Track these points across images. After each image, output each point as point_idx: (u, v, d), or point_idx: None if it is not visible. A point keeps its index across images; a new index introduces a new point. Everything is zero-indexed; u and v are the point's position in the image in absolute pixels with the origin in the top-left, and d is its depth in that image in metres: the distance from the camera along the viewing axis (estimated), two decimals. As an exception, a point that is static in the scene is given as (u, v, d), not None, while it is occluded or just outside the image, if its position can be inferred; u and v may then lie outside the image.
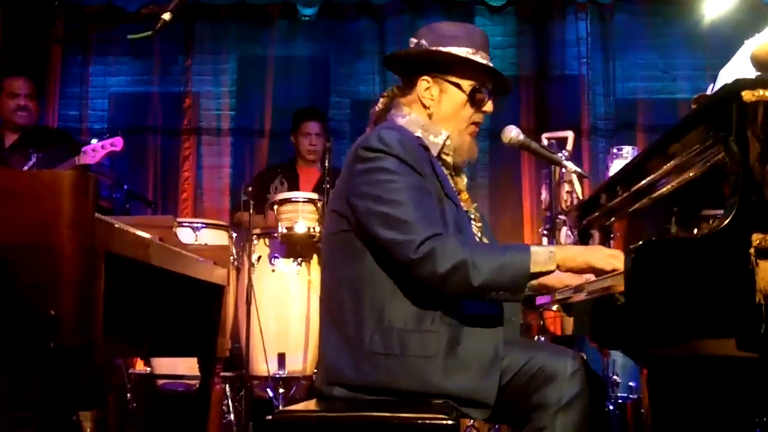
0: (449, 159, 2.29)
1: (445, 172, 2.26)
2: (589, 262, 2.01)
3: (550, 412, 1.99)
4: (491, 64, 2.30)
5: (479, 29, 2.40)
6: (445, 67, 2.28)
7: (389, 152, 2.09)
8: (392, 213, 2.03)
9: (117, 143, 4.09)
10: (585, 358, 2.14)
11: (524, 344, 2.21)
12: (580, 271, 2.06)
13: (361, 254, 2.11)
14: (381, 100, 2.38)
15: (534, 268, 2.01)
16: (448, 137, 2.27)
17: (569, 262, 2.03)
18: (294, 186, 4.86)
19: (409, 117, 2.28)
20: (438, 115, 2.28)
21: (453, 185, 2.27)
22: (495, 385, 2.04)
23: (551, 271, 2.04)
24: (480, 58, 2.27)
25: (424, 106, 2.28)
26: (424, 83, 2.28)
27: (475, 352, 2.06)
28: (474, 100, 2.29)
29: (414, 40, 2.31)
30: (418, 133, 2.24)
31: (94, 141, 4.16)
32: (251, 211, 4.18)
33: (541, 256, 2.02)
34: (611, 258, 1.99)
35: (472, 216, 2.32)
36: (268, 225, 4.48)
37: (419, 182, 2.10)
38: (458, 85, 2.28)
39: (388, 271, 2.09)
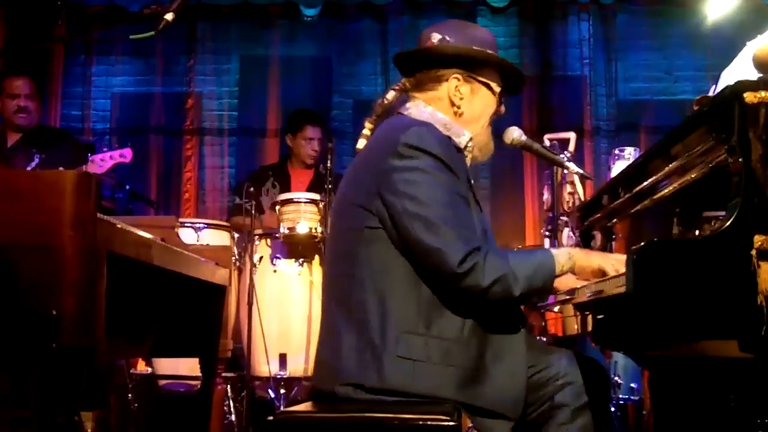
0: (468, 161, 2.26)
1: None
2: (601, 265, 2.08)
3: (570, 410, 2.07)
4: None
5: (488, 30, 2.39)
6: (475, 66, 2.24)
7: (430, 151, 2.03)
8: (432, 218, 1.98)
9: (126, 155, 4.10)
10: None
11: (538, 347, 2.24)
12: (591, 272, 2.11)
13: (390, 256, 2.04)
14: (391, 93, 2.30)
15: (558, 270, 2.07)
16: (471, 139, 2.24)
17: (584, 262, 2.10)
18: (286, 187, 4.84)
19: (429, 114, 2.21)
20: (467, 115, 2.24)
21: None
22: (521, 399, 2.05)
23: (570, 271, 2.10)
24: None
25: (453, 104, 2.23)
26: (454, 81, 2.22)
27: (501, 365, 2.06)
28: (500, 102, 2.30)
29: (437, 36, 2.25)
30: (442, 131, 2.17)
31: (104, 150, 4.16)
32: (252, 212, 4.18)
33: (562, 257, 2.08)
34: (620, 264, 2.02)
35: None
36: (264, 227, 4.46)
37: (457, 187, 2.06)
38: (489, 86, 2.26)
39: (421, 277, 2.03)
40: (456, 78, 2.22)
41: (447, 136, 2.17)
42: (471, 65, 2.24)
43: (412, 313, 2.02)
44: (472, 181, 2.34)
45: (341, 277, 2.14)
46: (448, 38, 2.24)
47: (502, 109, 2.32)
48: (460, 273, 1.96)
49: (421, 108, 2.23)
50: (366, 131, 2.29)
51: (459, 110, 2.23)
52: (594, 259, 2.11)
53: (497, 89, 2.27)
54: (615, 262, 2.06)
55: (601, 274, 2.06)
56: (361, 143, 2.27)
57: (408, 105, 2.26)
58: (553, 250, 2.10)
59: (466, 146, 2.23)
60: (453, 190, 2.04)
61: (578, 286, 2.16)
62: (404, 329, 2.01)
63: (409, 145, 2.03)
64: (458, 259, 1.95)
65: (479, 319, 2.06)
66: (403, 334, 2.01)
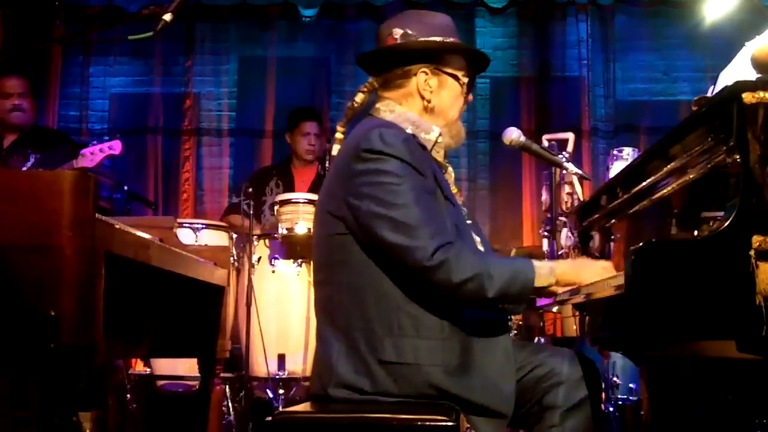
0: (440, 156, 2.26)
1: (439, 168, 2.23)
2: (587, 278, 2.06)
3: (559, 413, 2.05)
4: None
5: (446, 15, 2.35)
6: (440, 57, 2.24)
7: (392, 153, 2.03)
8: (399, 217, 1.98)
9: (115, 147, 4.09)
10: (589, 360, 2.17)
11: (530, 347, 2.24)
12: (577, 285, 2.09)
13: (362, 258, 2.05)
14: (359, 95, 2.29)
15: (537, 282, 2.04)
16: (440, 134, 2.23)
17: (567, 277, 2.08)
18: (289, 187, 4.85)
19: (399, 112, 2.22)
20: (438, 107, 2.23)
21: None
22: (512, 394, 2.05)
23: (551, 285, 2.07)
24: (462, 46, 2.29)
25: (423, 98, 2.22)
26: (423, 75, 2.22)
27: (488, 360, 2.06)
28: (468, 90, 2.29)
29: (399, 30, 2.23)
30: (409, 130, 2.18)
31: (93, 143, 4.16)
32: (250, 211, 4.19)
33: (544, 269, 2.06)
34: (604, 271, 2.05)
35: (465, 212, 2.30)
36: (264, 229, 4.48)
37: (423, 185, 2.05)
38: (455, 77, 2.25)
39: (395, 277, 2.04)
40: (424, 72, 2.22)
41: (412, 134, 2.17)
42: (437, 57, 2.24)
43: (392, 316, 2.03)
44: (452, 175, 2.34)
45: (323, 284, 2.18)
46: (409, 31, 2.22)
47: (470, 97, 2.33)
48: (430, 267, 1.96)
49: (390, 107, 2.24)
50: (339, 135, 2.29)
51: (429, 104, 2.23)
52: (582, 274, 2.07)
53: (464, 80, 2.27)
54: (600, 270, 2.07)
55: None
56: (336, 149, 2.27)
57: (378, 105, 2.26)
58: (535, 262, 2.07)
59: (436, 141, 2.23)
60: (418, 188, 2.03)
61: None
62: (386, 333, 2.03)
63: (369, 149, 2.04)
64: (427, 254, 1.95)
65: (459, 316, 2.06)
66: (386, 337, 2.03)
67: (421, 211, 2.00)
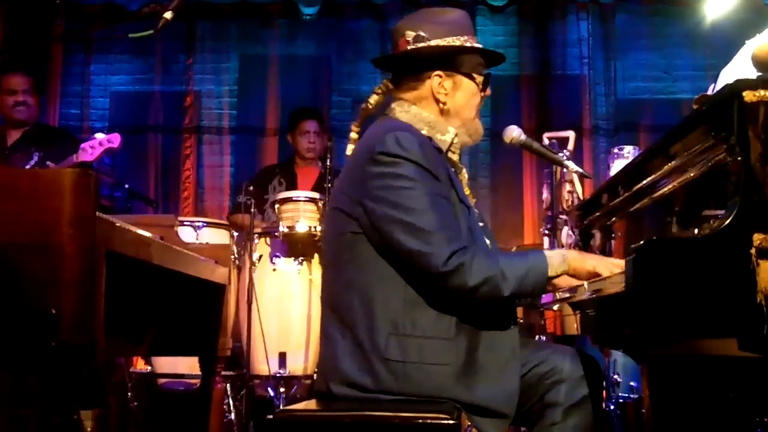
0: (455, 157, 2.26)
1: (453, 170, 2.23)
2: (596, 267, 2.06)
3: (560, 410, 2.05)
4: (495, 49, 2.33)
5: (461, 10, 2.34)
6: (453, 60, 2.23)
7: (408, 157, 2.02)
8: (414, 222, 1.98)
9: (114, 140, 4.09)
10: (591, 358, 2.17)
11: (532, 344, 2.23)
12: (587, 274, 2.08)
13: (372, 258, 2.05)
14: (374, 96, 2.30)
15: (551, 272, 2.04)
16: (456, 135, 2.23)
17: (577, 264, 2.07)
18: (292, 185, 4.87)
19: (414, 113, 2.22)
20: (453, 109, 2.23)
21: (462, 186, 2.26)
22: (516, 393, 2.05)
23: (564, 273, 2.08)
24: (476, 42, 2.27)
25: (438, 102, 2.22)
26: (437, 78, 2.21)
27: (493, 358, 2.06)
28: (483, 88, 2.28)
29: (411, 33, 2.22)
30: (425, 131, 2.18)
31: (92, 137, 4.16)
32: (252, 211, 4.19)
33: (556, 259, 2.06)
34: (615, 266, 2.03)
35: (476, 213, 2.30)
36: (267, 226, 4.48)
37: (437, 189, 2.05)
38: (471, 76, 2.25)
39: (404, 277, 2.04)
40: (438, 75, 2.22)
41: (428, 136, 2.18)
42: (449, 61, 2.23)
43: (398, 315, 2.03)
44: (466, 177, 2.34)
45: (331, 281, 2.19)
46: (422, 33, 2.21)
47: (488, 92, 2.31)
48: (445, 272, 1.96)
49: (405, 108, 2.24)
50: (353, 135, 2.30)
51: (445, 106, 2.23)
52: (588, 261, 2.08)
53: (479, 78, 2.26)
54: (610, 264, 2.06)
55: (596, 275, 2.05)
56: (350, 149, 2.28)
57: (393, 105, 2.26)
58: (547, 252, 2.08)
59: (452, 142, 2.23)
60: (433, 193, 2.04)
61: (578, 285, 2.15)
62: (391, 331, 2.03)
63: (385, 152, 2.04)
64: (443, 260, 1.96)
65: (467, 316, 2.06)
66: (391, 336, 2.03)
67: (436, 216, 2.00)
